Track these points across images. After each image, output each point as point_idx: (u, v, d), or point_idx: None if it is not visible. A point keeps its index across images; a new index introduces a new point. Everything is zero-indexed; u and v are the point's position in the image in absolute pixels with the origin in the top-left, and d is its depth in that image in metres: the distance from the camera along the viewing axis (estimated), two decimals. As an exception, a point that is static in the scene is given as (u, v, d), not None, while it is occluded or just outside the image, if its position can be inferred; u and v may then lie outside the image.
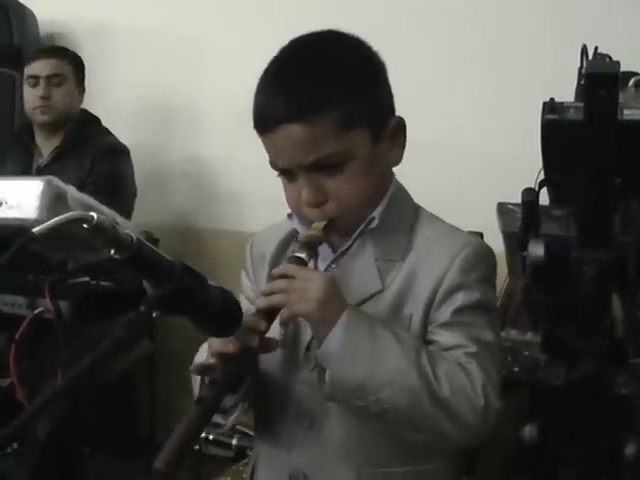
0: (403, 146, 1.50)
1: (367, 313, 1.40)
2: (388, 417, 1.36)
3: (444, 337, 1.41)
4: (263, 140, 1.45)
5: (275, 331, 1.41)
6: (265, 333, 1.35)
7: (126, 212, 3.21)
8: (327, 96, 1.39)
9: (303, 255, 1.40)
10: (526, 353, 2.12)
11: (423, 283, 1.44)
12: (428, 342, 1.43)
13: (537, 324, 2.16)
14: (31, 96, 3.31)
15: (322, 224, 1.43)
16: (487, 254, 1.50)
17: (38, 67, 3.30)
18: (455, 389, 1.34)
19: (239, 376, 1.39)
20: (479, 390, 1.35)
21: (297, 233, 1.55)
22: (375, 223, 1.47)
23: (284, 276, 1.37)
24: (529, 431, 2.06)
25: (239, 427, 2.42)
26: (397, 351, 1.34)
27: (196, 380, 1.50)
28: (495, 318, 1.50)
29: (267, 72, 1.47)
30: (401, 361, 1.33)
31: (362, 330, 1.35)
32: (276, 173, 1.48)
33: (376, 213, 1.47)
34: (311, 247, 1.42)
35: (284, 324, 1.41)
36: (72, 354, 2.35)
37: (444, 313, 1.42)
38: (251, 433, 1.67)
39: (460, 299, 1.42)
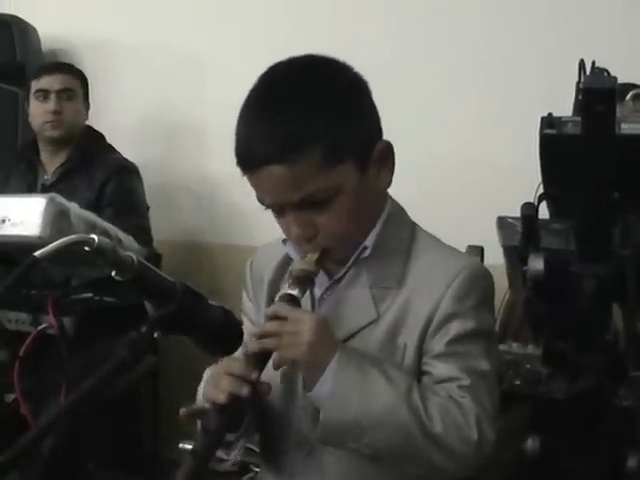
0: (392, 170, 1.46)
1: (357, 352, 1.39)
2: (382, 455, 1.36)
3: (438, 369, 1.40)
4: (247, 178, 1.42)
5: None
6: (256, 382, 1.34)
7: (144, 228, 3.22)
8: (309, 133, 1.35)
9: (295, 292, 1.38)
10: (527, 366, 2.12)
11: (417, 312, 1.42)
12: (422, 372, 1.42)
13: (538, 337, 2.16)
14: (41, 110, 3.29)
15: (315, 257, 1.41)
16: (482, 277, 1.47)
17: (48, 82, 3.30)
18: (447, 424, 1.33)
19: (234, 422, 1.38)
20: (472, 423, 1.34)
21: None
22: (368, 252, 1.45)
23: (276, 317, 1.36)
24: (531, 444, 2.06)
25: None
26: (387, 390, 1.33)
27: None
28: (492, 344, 1.48)
29: (246, 106, 1.43)
30: (391, 400, 1.33)
31: (352, 372, 1.34)
32: None
33: (368, 241, 1.45)
34: (304, 282, 1.41)
35: (277, 368, 1.39)
36: (75, 369, 2.37)
37: (438, 343, 1.40)
38: (255, 448, 1.67)
39: (455, 328, 1.40)
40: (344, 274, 1.47)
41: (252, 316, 1.61)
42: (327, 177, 1.36)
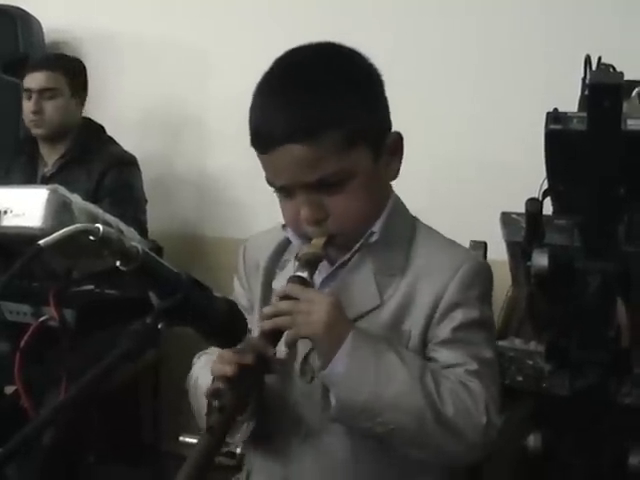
0: (400, 160, 1.49)
1: (371, 333, 1.40)
2: (393, 437, 1.36)
3: (444, 355, 1.42)
4: (261, 158, 1.43)
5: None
6: (265, 354, 1.35)
7: (141, 221, 3.22)
8: (328, 114, 1.36)
9: (305, 274, 1.40)
10: (530, 363, 2.11)
11: (422, 299, 1.44)
12: (428, 359, 1.43)
13: (541, 334, 2.16)
14: (26, 109, 3.32)
15: (322, 241, 1.42)
16: (485, 271, 1.49)
17: (30, 80, 3.30)
18: (458, 408, 1.35)
19: (247, 399, 1.38)
20: (481, 408, 1.36)
21: (290, 242, 1.55)
22: (375, 237, 1.46)
23: (287, 297, 1.37)
24: (533, 441, 2.06)
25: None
26: (402, 372, 1.34)
27: (198, 398, 1.51)
28: (492, 335, 1.51)
29: (263, 86, 1.44)
30: (406, 382, 1.34)
31: (367, 352, 1.35)
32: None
33: (376, 227, 1.46)
34: (312, 265, 1.42)
35: (289, 345, 1.40)
36: (77, 362, 2.37)
37: (444, 330, 1.42)
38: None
39: (460, 316, 1.42)
40: (349, 259, 1.48)
41: (243, 301, 1.61)
42: (343, 160, 1.37)
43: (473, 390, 1.37)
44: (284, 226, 1.52)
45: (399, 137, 1.47)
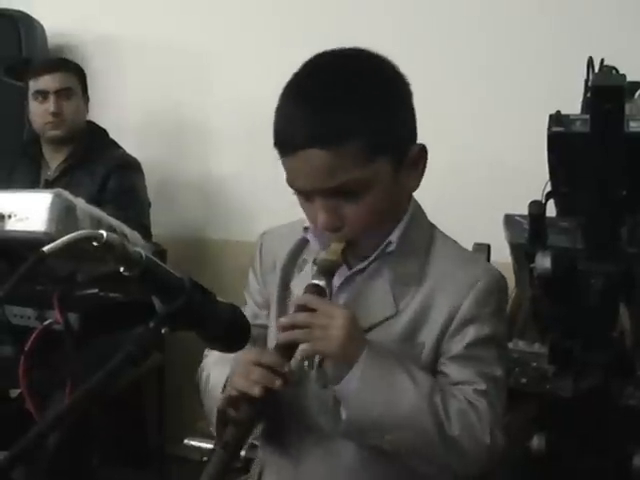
0: (422, 173, 1.47)
1: (384, 349, 1.40)
2: (401, 453, 1.39)
3: (455, 371, 1.42)
4: (282, 160, 1.42)
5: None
6: (287, 373, 1.37)
7: (145, 225, 3.21)
8: (353, 123, 1.35)
9: (322, 282, 1.40)
10: (534, 364, 2.12)
11: (437, 312, 1.44)
12: (438, 372, 1.44)
13: (545, 335, 2.16)
14: (41, 111, 3.28)
15: (340, 247, 1.42)
16: (501, 286, 1.50)
17: (46, 82, 3.27)
18: (464, 428, 1.36)
19: (263, 414, 1.40)
20: (486, 429, 1.38)
21: (307, 241, 1.55)
22: (392, 247, 1.46)
23: (305, 308, 1.38)
24: (537, 442, 2.06)
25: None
26: (412, 391, 1.36)
27: (210, 396, 1.52)
28: (504, 352, 1.51)
29: (289, 89, 1.42)
30: (415, 401, 1.35)
31: (380, 370, 1.36)
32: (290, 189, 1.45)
33: (394, 237, 1.46)
34: (329, 273, 1.43)
35: (304, 359, 1.43)
36: (81, 365, 2.37)
37: (457, 346, 1.43)
38: (258, 443, 1.67)
39: (473, 332, 1.43)
40: (366, 267, 1.48)
41: (257, 297, 1.63)
42: (363, 169, 1.36)
43: (480, 410, 1.38)
44: (306, 228, 1.53)
45: (423, 150, 1.46)
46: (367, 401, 1.35)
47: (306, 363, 1.47)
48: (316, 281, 1.41)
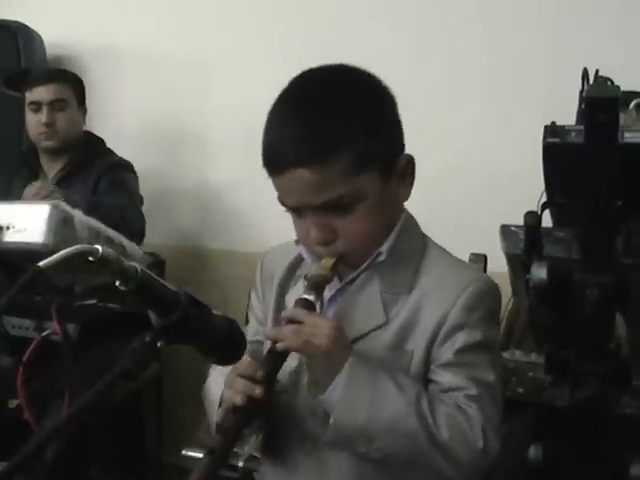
0: (412, 183, 1.50)
1: (369, 359, 1.41)
2: (389, 461, 1.38)
3: (445, 378, 1.42)
4: (272, 179, 1.44)
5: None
6: (270, 382, 1.39)
7: (137, 219, 3.21)
8: (338, 139, 1.37)
9: (311, 297, 1.42)
10: (530, 374, 2.12)
11: (426, 320, 1.45)
12: (429, 381, 1.44)
13: (541, 345, 2.16)
14: (34, 122, 3.32)
15: (331, 262, 1.44)
16: (491, 292, 1.50)
17: (40, 93, 3.30)
18: (454, 433, 1.36)
19: (249, 421, 1.41)
20: (478, 433, 1.37)
21: (304, 258, 1.56)
22: (382, 257, 1.48)
23: (292, 320, 1.39)
24: (534, 452, 2.06)
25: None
26: (398, 398, 1.36)
27: (209, 410, 1.54)
28: (496, 356, 1.51)
29: (275, 109, 1.45)
30: (401, 408, 1.35)
31: (363, 379, 1.37)
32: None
33: (384, 247, 1.48)
34: (319, 287, 1.44)
35: (295, 370, 1.46)
36: (79, 375, 2.37)
37: (446, 353, 1.43)
38: (258, 455, 1.69)
39: (463, 338, 1.43)
40: (356, 277, 1.50)
41: (259, 314, 1.65)
42: (352, 184, 1.39)
43: (470, 415, 1.38)
44: (297, 242, 1.54)
45: (410, 160, 1.49)
46: (352, 408, 1.36)
47: (295, 374, 1.49)
48: (305, 295, 1.42)
